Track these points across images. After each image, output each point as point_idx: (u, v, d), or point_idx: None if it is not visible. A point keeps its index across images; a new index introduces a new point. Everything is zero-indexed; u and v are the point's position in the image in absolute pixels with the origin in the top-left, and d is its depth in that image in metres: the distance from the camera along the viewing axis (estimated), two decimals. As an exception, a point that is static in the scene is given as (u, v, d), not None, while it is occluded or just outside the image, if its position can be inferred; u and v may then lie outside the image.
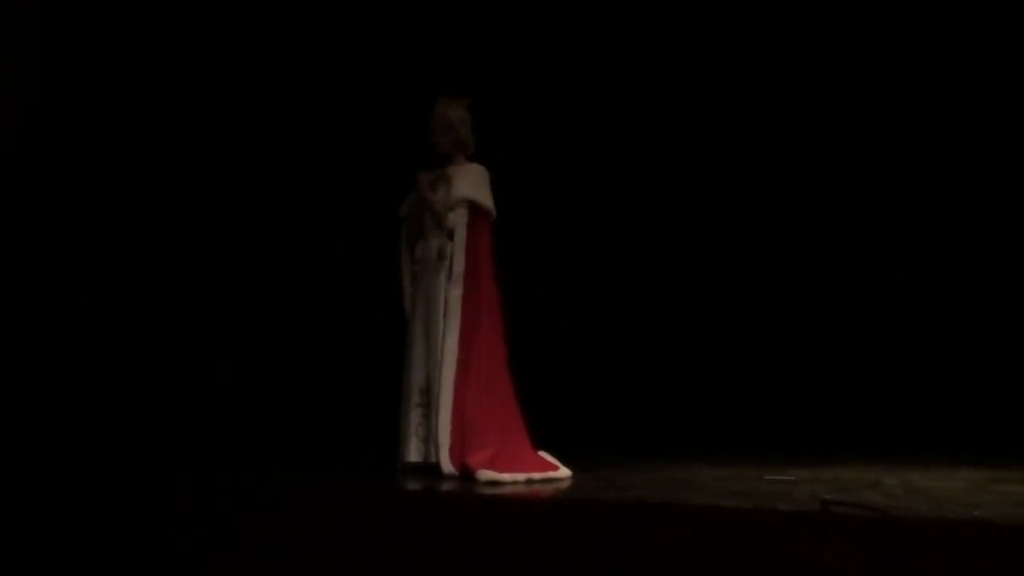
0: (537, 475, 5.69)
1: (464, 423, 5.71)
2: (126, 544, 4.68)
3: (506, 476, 5.56)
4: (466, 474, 5.62)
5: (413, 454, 5.88)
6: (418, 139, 6.17)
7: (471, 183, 6.00)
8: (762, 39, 8.51)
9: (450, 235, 5.95)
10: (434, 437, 5.76)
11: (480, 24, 7.82)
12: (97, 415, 6.60)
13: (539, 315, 7.71)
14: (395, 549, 4.49)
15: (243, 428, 6.98)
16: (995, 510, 4.64)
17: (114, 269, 6.78)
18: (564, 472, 5.83)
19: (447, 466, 5.68)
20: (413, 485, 5.45)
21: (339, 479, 5.72)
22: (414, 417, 5.87)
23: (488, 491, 5.23)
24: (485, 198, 6.00)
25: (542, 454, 5.91)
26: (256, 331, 7.13)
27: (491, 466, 5.60)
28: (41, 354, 6.55)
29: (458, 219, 5.93)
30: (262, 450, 6.82)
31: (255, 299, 7.13)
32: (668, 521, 4.36)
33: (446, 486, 5.42)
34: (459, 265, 5.89)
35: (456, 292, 5.86)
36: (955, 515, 4.52)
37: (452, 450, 5.70)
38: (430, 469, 5.75)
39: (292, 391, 7.18)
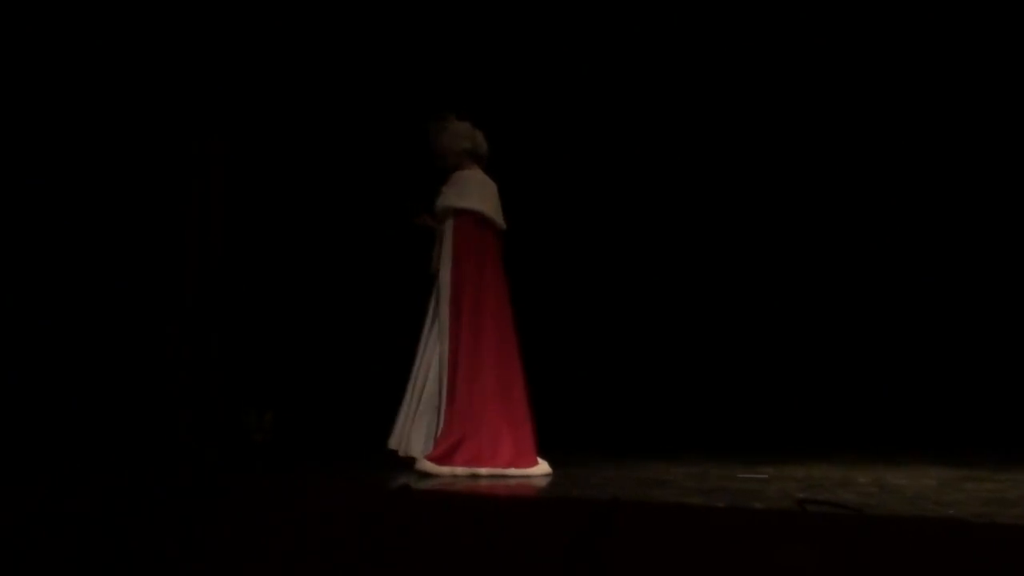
0: (484, 471, 5.71)
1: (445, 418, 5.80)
2: (116, 544, 4.63)
3: (444, 470, 5.63)
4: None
5: None
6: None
7: (446, 192, 6.06)
8: (759, 39, 8.44)
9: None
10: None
11: (479, 29, 7.87)
12: (89, 414, 6.56)
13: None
14: (363, 547, 4.46)
15: (235, 427, 6.97)
16: (967, 508, 4.68)
17: (111, 266, 6.74)
18: (538, 470, 5.80)
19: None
20: (385, 482, 5.41)
21: (314, 476, 5.68)
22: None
23: (458, 488, 5.20)
24: (455, 198, 6.02)
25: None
26: (254, 330, 7.12)
27: (442, 459, 5.65)
28: (37, 352, 6.52)
29: (445, 229, 6.01)
30: (245, 449, 6.80)
31: (252, 299, 7.11)
32: (643, 520, 4.34)
33: (420, 483, 5.39)
34: (445, 273, 5.95)
35: (444, 294, 5.92)
36: (930, 513, 4.54)
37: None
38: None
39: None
